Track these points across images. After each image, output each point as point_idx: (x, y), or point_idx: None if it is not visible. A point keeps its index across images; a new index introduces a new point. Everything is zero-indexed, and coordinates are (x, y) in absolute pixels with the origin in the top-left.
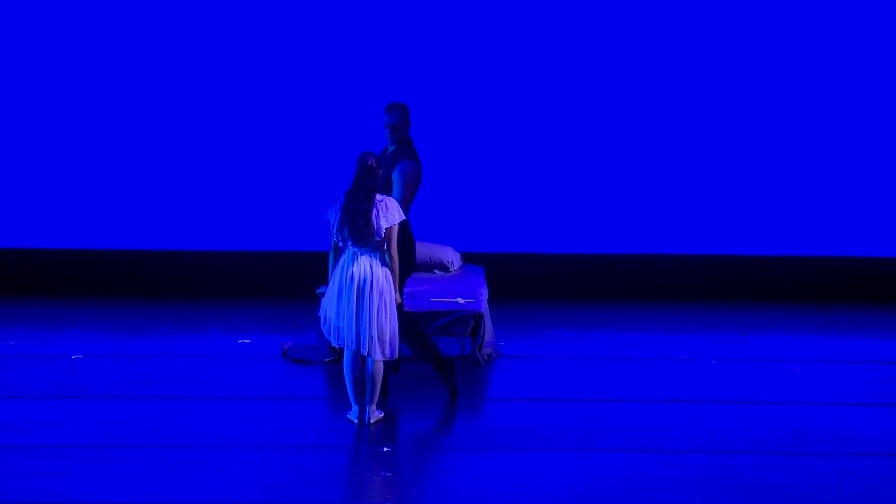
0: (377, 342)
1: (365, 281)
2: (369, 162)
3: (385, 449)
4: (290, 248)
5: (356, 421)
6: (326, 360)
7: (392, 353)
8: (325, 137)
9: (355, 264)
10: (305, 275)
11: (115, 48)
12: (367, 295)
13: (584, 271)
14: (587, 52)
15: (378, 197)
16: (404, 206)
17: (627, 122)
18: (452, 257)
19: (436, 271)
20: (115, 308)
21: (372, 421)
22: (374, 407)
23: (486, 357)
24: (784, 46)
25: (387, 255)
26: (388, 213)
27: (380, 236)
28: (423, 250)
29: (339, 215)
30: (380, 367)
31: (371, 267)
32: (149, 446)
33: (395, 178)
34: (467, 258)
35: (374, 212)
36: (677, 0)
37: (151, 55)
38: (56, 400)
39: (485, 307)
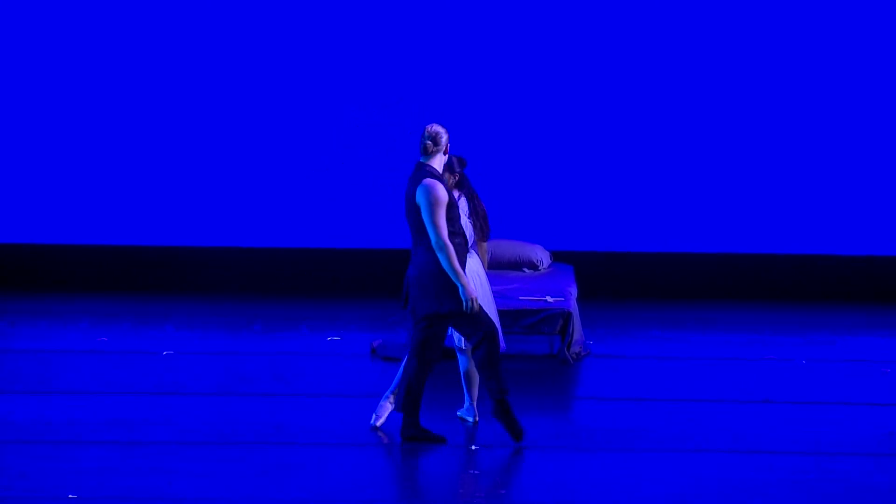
0: None
1: (476, 277)
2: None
3: (473, 447)
4: (378, 246)
5: (469, 418)
6: None
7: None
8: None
9: (466, 262)
10: (395, 273)
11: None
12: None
13: (674, 271)
14: (683, 58)
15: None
16: None
17: (720, 123)
18: (542, 255)
19: (525, 269)
20: (206, 305)
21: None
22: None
23: (574, 356)
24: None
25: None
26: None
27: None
28: (513, 249)
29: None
30: None
31: (478, 263)
32: (249, 443)
33: None
34: (557, 257)
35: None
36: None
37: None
38: (156, 396)
39: (574, 306)
